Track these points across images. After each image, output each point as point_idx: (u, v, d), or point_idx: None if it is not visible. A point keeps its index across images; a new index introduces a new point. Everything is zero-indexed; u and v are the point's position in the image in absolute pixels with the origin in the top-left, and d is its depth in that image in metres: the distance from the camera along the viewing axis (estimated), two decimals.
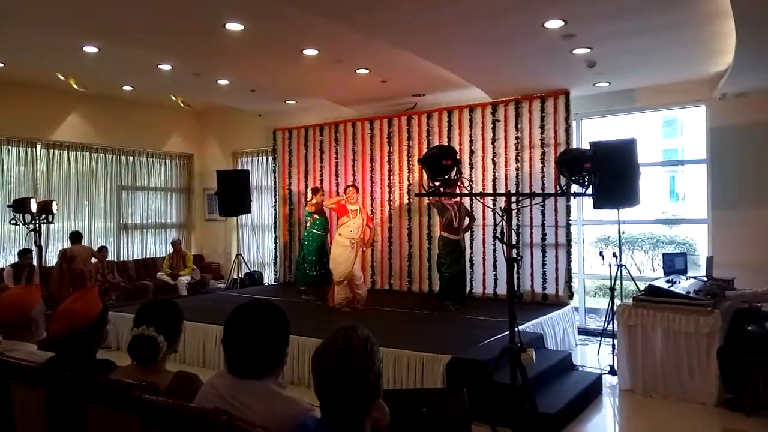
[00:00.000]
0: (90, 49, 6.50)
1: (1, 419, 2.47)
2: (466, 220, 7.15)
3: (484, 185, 7.84)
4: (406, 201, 8.54)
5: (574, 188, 4.52)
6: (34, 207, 7.28)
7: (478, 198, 7.01)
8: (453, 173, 4.32)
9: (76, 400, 2.14)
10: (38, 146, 9.04)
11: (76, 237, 8.73)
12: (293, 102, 8.96)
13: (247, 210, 9.71)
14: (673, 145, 19.57)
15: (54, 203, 7.59)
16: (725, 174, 7.00)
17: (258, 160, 10.72)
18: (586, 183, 4.30)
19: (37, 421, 2.30)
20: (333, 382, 1.69)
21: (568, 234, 7.42)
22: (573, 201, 7.52)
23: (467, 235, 7.39)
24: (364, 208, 7.54)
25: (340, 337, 1.75)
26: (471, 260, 7.73)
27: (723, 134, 6.99)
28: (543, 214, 7.41)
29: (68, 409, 2.17)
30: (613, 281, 6.29)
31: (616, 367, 5.59)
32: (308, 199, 8.25)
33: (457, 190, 6.06)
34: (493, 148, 7.83)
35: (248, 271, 10.12)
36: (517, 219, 7.37)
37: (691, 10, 4.92)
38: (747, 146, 6.85)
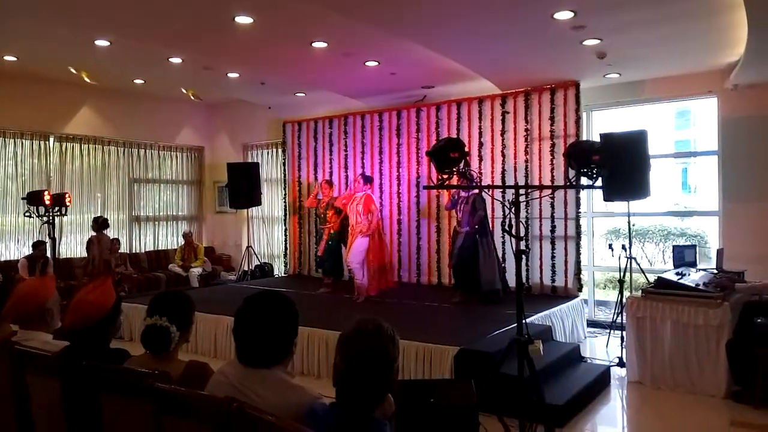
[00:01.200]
0: (102, 42, 6.57)
1: (17, 407, 2.53)
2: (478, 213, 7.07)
3: (493, 177, 7.83)
4: (414, 193, 8.55)
5: (584, 180, 4.53)
6: (47, 199, 7.37)
7: (487, 191, 6.99)
8: (461, 166, 4.33)
9: (90, 389, 2.19)
10: (51, 139, 9.13)
11: (104, 224, 8.62)
12: (303, 94, 8.98)
13: (258, 202, 9.77)
14: (685, 136, 19.35)
15: (67, 196, 7.68)
16: (737, 165, 6.95)
17: (268, 153, 10.77)
18: (595, 175, 4.30)
19: (52, 409, 2.35)
20: (363, 366, 1.76)
21: (578, 226, 7.40)
22: (583, 193, 7.50)
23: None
24: (367, 195, 7.29)
25: (370, 324, 1.83)
26: None
27: (735, 125, 6.93)
28: (552, 206, 7.40)
29: (83, 397, 2.21)
30: (622, 273, 6.28)
31: (624, 359, 5.60)
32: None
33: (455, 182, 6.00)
34: (503, 140, 7.81)
35: (258, 263, 10.19)
36: (527, 211, 7.36)
37: (701, 1, 4.88)
38: (759, 137, 6.78)
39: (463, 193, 6.95)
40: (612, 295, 8.54)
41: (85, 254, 8.75)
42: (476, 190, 6.89)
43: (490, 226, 7.59)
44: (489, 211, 7.58)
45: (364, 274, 7.12)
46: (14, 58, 7.50)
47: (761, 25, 4.93)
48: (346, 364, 1.78)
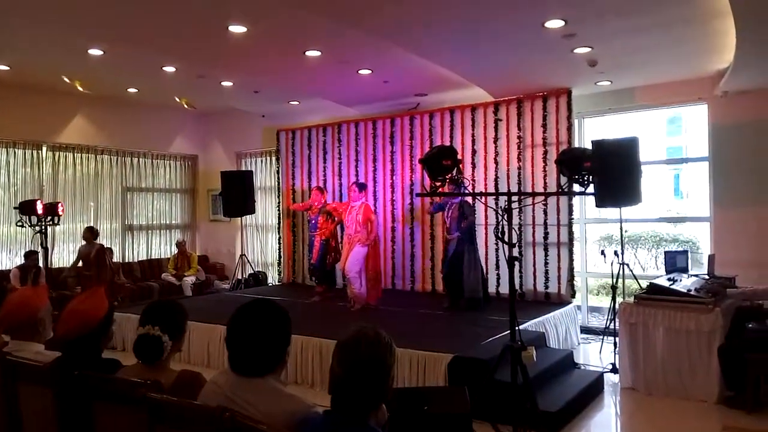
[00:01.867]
0: (95, 51, 6.57)
1: (9, 417, 2.52)
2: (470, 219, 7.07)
3: (486, 184, 7.87)
4: (408, 201, 8.57)
5: (576, 187, 4.56)
6: (40, 209, 7.34)
7: (479, 198, 7.01)
8: (453, 173, 4.35)
9: (83, 399, 2.18)
10: (44, 148, 9.10)
11: (96, 234, 8.49)
12: (296, 103, 9.01)
13: (251, 210, 9.75)
14: (676, 142, 19.51)
15: (60, 205, 7.64)
16: (727, 172, 7.01)
17: (262, 161, 10.77)
18: (587, 182, 4.34)
19: (44, 419, 2.34)
20: (361, 372, 1.76)
21: (570, 233, 7.44)
22: (575, 199, 7.54)
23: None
24: (365, 204, 7.30)
25: (369, 331, 1.84)
26: None
27: (725, 132, 7.00)
28: (545, 212, 7.44)
29: (75, 407, 2.21)
30: (615, 279, 6.31)
31: (617, 366, 5.62)
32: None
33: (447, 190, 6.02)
34: (496, 147, 7.86)
35: (252, 272, 10.17)
36: (519, 218, 7.39)
37: (691, 8, 4.94)
38: (749, 144, 6.85)
39: (453, 200, 6.97)
40: (605, 302, 8.57)
41: (81, 263, 8.62)
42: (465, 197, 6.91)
43: (484, 233, 7.63)
44: (482, 219, 7.63)
45: (362, 283, 7.10)
46: (7, 67, 7.48)
47: (749, 33, 4.99)
48: (344, 369, 1.78)
